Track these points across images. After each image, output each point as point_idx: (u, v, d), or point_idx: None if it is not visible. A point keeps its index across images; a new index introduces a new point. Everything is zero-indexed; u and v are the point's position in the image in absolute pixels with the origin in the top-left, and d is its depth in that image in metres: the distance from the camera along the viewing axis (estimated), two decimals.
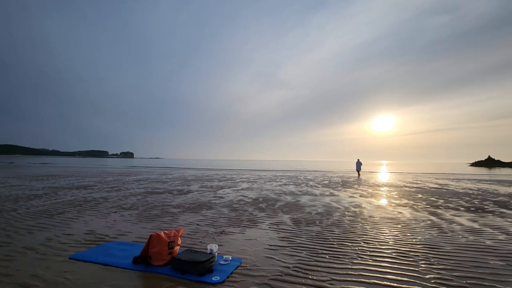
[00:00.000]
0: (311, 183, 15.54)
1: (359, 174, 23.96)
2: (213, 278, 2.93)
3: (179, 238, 3.56)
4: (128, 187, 12.14)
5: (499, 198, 9.73)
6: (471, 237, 4.70)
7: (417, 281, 2.96)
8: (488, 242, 4.42)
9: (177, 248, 3.48)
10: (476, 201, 8.93)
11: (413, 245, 4.21)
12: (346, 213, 6.76)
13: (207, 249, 3.49)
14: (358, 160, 23.75)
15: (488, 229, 5.31)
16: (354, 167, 39.31)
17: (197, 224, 5.39)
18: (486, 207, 7.89)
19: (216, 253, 3.45)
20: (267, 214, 6.47)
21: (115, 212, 6.54)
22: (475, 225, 5.60)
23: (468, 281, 2.97)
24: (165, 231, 3.48)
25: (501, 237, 4.77)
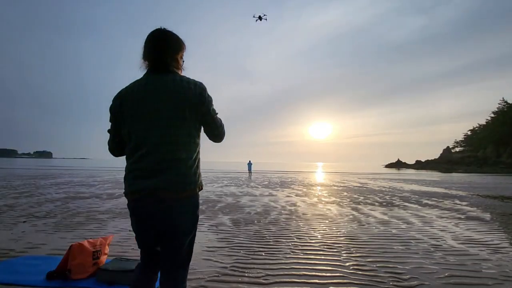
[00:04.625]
0: (252, 184, 15.97)
1: (250, 174, 26.14)
2: None
3: (107, 247, 3.26)
4: (43, 192, 10.40)
5: (404, 194, 11.72)
6: (381, 227, 5.56)
7: (338, 269, 3.36)
8: (394, 231, 5.30)
9: (104, 257, 3.16)
10: (387, 197, 10.56)
11: (337, 238, 4.75)
12: (282, 211, 7.19)
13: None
14: (250, 161, 26.89)
15: (394, 220, 6.35)
16: (294, 169, 42.81)
17: (129, 230, 4.99)
18: (394, 201, 9.41)
19: None
20: (206, 216, 6.40)
21: (24, 221, 5.55)
22: (385, 217, 6.63)
23: (377, 265, 3.51)
24: (90, 240, 3.13)
25: (403, 226, 5.77)
